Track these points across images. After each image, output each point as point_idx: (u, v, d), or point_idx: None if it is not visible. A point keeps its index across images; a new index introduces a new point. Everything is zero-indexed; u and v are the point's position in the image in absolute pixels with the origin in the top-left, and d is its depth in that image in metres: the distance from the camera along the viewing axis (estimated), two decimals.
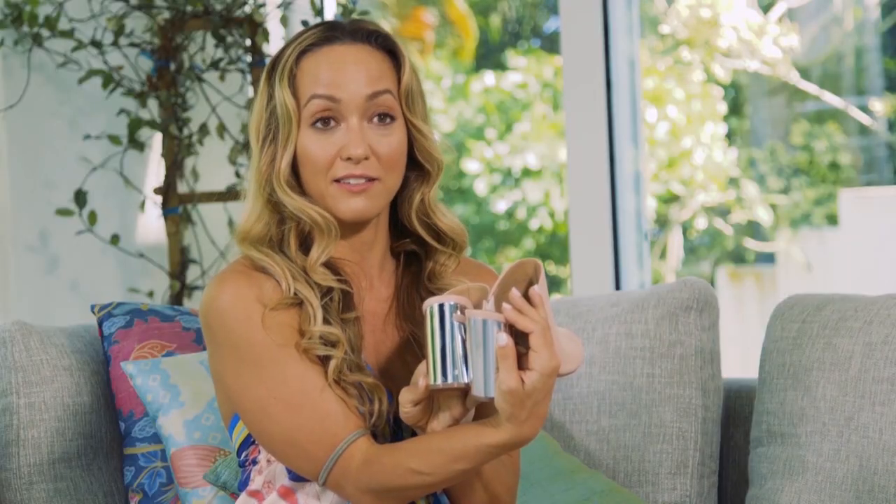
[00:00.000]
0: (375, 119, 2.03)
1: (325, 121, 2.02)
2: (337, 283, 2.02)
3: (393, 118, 2.04)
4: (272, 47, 3.63)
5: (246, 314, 1.99)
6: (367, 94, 2.02)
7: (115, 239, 3.58)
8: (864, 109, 4.52)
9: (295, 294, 2.00)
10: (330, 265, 2.05)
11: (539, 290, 1.85)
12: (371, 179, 2.02)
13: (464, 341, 1.86)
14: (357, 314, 2.03)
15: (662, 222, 4.99)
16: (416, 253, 2.12)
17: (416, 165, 2.08)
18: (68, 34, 3.50)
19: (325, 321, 1.99)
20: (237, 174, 3.60)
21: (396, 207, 2.11)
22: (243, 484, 2.09)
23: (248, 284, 2.01)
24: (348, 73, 2.02)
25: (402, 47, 2.08)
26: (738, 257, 4.99)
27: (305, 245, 2.06)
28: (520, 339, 1.85)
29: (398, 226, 2.12)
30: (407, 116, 2.06)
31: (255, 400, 1.98)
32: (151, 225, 3.78)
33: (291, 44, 2.06)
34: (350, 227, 2.07)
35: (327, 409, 1.96)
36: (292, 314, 2.00)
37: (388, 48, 2.07)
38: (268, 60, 2.11)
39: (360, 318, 2.04)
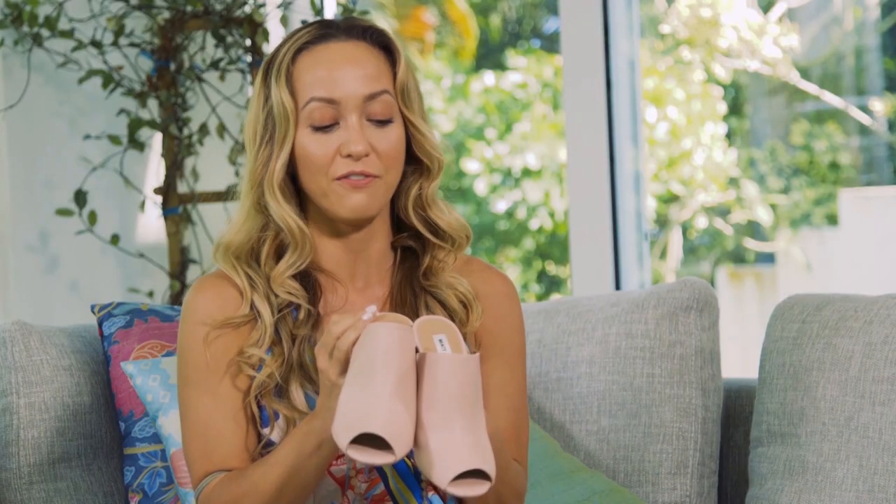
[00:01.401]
0: (374, 120, 2.03)
1: (325, 123, 2.03)
2: (301, 301, 2.04)
3: (391, 121, 2.04)
4: (272, 47, 3.62)
5: (193, 331, 2.05)
6: (366, 95, 2.02)
7: (115, 239, 3.57)
8: (864, 109, 4.52)
9: (251, 309, 2.04)
10: (307, 274, 2.06)
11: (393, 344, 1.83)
12: (371, 177, 2.02)
13: None
14: (310, 333, 2.04)
15: (662, 222, 4.99)
16: (412, 249, 2.12)
17: (415, 161, 2.08)
18: (68, 34, 3.49)
19: (276, 333, 2.03)
20: (237, 174, 3.60)
21: (394, 202, 2.11)
22: None
23: (215, 297, 2.05)
24: (345, 71, 2.02)
25: (398, 43, 2.07)
26: (738, 257, 4.99)
27: (281, 255, 2.07)
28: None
29: (395, 221, 2.12)
30: (404, 113, 2.05)
31: (179, 403, 2.08)
32: (151, 225, 3.78)
33: (286, 43, 2.05)
34: (346, 226, 2.07)
35: (219, 443, 2.03)
36: (243, 332, 2.05)
37: (384, 44, 2.06)
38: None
39: (318, 333, 2.05)
